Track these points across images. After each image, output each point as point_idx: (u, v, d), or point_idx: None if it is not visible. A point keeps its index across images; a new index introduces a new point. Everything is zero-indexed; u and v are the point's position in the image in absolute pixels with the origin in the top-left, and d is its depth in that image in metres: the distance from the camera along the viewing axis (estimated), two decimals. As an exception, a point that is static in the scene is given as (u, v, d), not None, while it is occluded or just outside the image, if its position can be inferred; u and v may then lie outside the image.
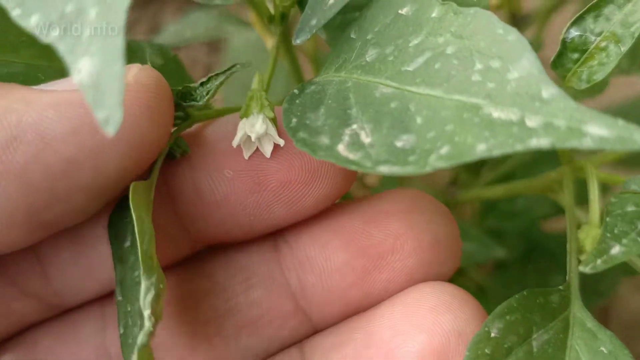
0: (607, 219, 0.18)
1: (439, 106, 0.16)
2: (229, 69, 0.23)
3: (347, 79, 0.20)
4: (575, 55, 0.24)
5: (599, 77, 0.23)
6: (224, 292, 0.24)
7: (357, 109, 0.18)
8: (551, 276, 0.42)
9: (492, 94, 0.16)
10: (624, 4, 0.23)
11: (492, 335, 0.20)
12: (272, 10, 0.25)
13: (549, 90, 0.15)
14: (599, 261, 0.16)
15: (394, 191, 0.25)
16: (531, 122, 0.15)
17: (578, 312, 0.20)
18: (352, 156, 0.17)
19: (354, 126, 0.18)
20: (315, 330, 0.25)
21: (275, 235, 0.25)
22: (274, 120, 0.22)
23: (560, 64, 0.24)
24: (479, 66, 0.16)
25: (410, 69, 0.18)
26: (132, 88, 0.19)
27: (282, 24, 0.25)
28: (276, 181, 0.23)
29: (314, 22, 0.20)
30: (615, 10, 0.23)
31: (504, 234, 0.44)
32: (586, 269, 0.16)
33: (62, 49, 0.15)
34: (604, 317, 0.52)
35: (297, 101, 0.20)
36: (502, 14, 0.41)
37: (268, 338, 0.24)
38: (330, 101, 0.19)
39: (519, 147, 0.14)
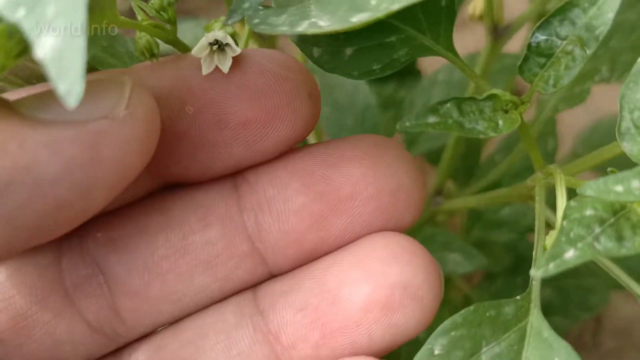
0: (564, 223, 0.17)
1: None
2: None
3: None
4: (542, 60, 0.24)
5: (565, 81, 0.23)
6: (179, 229, 0.24)
7: (316, 7, 0.19)
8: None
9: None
10: (589, 7, 0.23)
11: (436, 352, 0.19)
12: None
13: None
14: (551, 265, 0.16)
15: (358, 136, 0.25)
16: None
17: (536, 321, 0.20)
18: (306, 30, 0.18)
19: (313, 19, 0.19)
20: (271, 275, 0.25)
21: (236, 174, 0.24)
22: (233, 35, 0.22)
23: (527, 68, 0.24)
24: None
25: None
26: (126, 124, 0.19)
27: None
28: (236, 120, 0.22)
29: (246, 4, 0.21)
30: (581, 14, 0.23)
31: (491, 244, 0.43)
32: (537, 273, 0.16)
33: (26, 26, 0.15)
34: (595, 326, 0.52)
35: (261, 12, 0.21)
36: (484, 25, 0.40)
37: (222, 278, 0.24)
38: (292, 9, 0.20)
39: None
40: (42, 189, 0.18)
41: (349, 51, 0.23)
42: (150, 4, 0.24)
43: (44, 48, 0.15)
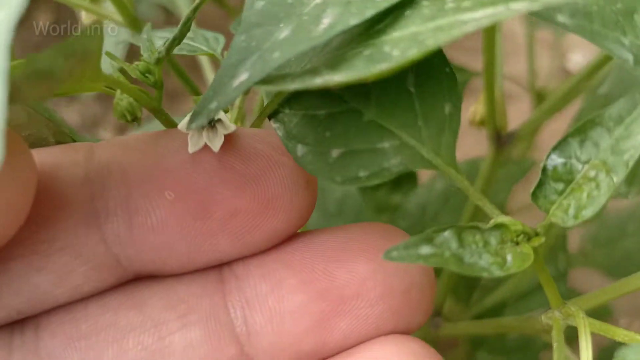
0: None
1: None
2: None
3: None
4: (560, 186, 0.20)
5: (588, 213, 0.19)
6: (155, 328, 0.20)
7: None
8: None
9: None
10: (614, 127, 0.19)
11: None
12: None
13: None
14: None
15: (362, 224, 0.22)
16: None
17: None
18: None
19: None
20: None
21: (223, 265, 0.22)
22: (226, 111, 0.21)
23: (542, 194, 0.20)
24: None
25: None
26: None
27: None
28: (223, 209, 0.20)
29: (213, 105, 0.18)
30: (604, 134, 0.19)
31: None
32: None
33: None
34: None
35: None
36: (486, 132, 0.38)
37: None
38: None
39: None
40: None
41: (335, 153, 0.21)
42: (134, 65, 0.21)
43: None
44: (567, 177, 0.20)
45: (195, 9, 0.21)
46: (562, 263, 0.41)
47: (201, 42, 0.27)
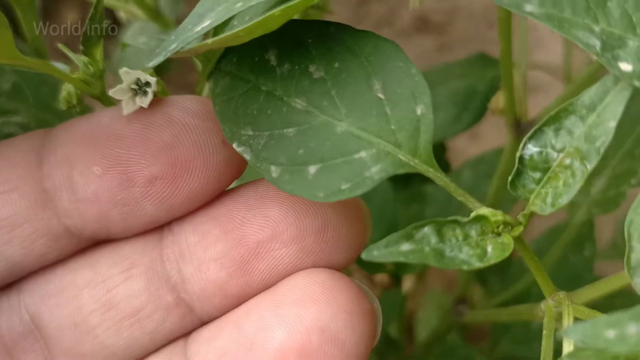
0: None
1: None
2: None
3: None
4: (537, 175, 0.20)
5: (564, 200, 0.20)
6: (104, 283, 0.23)
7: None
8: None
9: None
10: (587, 114, 0.20)
11: None
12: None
13: None
14: None
15: None
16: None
17: None
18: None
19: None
20: (202, 322, 0.24)
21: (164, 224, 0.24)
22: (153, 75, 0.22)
23: (521, 184, 0.21)
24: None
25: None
26: None
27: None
28: (142, 177, 0.22)
29: (173, 46, 0.19)
30: (578, 122, 0.20)
31: (520, 362, 0.38)
32: None
33: None
34: None
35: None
36: (506, 119, 0.37)
37: (151, 331, 0.23)
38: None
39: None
40: None
41: (312, 169, 0.21)
42: (80, 57, 0.23)
43: None
44: (543, 166, 0.20)
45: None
46: (589, 251, 0.41)
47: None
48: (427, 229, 0.20)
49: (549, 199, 0.20)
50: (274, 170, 0.21)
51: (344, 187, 0.20)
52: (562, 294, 0.22)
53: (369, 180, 0.20)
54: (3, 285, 0.24)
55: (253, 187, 0.23)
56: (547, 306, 0.23)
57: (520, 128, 0.37)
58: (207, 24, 0.18)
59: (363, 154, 0.21)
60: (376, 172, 0.20)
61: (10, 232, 0.23)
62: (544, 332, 0.22)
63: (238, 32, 0.19)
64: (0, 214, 0.22)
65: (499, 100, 0.43)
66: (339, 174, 0.21)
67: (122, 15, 0.41)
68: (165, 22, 0.32)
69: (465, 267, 0.19)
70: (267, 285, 0.23)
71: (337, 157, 0.21)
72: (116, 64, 0.56)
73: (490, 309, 0.37)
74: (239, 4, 0.18)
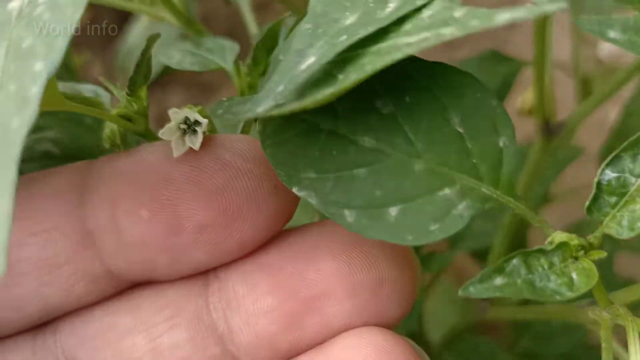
0: None
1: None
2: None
3: None
4: (613, 199, 0.21)
5: (644, 224, 0.20)
6: (147, 331, 0.22)
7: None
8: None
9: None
10: (665, 140, 0.20)
11: None
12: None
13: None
14: None
15: (327, 222, 0.22)
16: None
17: None
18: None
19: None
20: None
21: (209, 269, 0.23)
22: (205, 116, 0.21)
23: (597, 208, 0.21)
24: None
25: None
26: None
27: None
28: (193, 224, 0.21)
29: (280, 88, 0.18)
30: (655, 147, 0.20)
31: (541, 358, 0.39)
32: None
33: None
34: None
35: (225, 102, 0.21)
36: (536, 120, 0.37)
37: None
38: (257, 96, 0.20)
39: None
40: None
41: (393, 211, 0.20)
42: (123, 92, 0.23)
43: None
44: (620, 191, 0.21)
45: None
46: (608, 248, 0.42)
47: (216, 52, 0.27)
48: (515, 261, 0.20)
49: (625, 222, 0.21)
50: (349, 215, 0.20)
51: (432, 227, 0.20)
52: (622, 309, 0.22)
53: (459, 218, 0.20)
54: (39, 324, 0.23)
55: (302, 234, 0.22)
56: (603, 318, 0.23)
57: (549, 129, 0.37)
58: (312, 60, 0.17)
59: (447, 191, 0.20)
60: (464, 209, 0.20)
61: (49, 273, 0.22)
62: (603, 345, 0.21)
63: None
64: (41, 254, 0.21)
65: (525, 100, 0.43)
66: (424, 214, 0.20)
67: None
68: (198, 29, 0.30)
69: (558, 298, 0.20)
70: (317, 341, 0.22)
71: (419, 196, 0.20)
72: (120, 60, 0.54)
73: (517, 306, 0.38)
74: (343, 37, 0.17)
